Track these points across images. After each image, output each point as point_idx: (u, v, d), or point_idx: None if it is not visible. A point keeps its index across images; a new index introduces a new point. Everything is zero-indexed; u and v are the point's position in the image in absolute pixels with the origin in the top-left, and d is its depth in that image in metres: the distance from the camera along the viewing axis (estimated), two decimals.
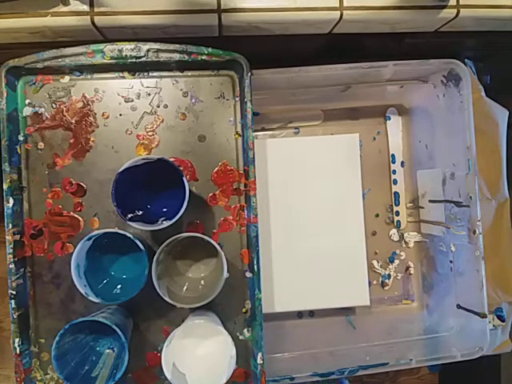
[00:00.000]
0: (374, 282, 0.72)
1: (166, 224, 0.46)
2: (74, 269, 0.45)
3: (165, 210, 0.52)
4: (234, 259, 0.54)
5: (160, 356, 0.45)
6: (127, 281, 0.51)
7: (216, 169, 0.54)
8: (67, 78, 0.53)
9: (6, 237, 0.50)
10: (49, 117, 0.52)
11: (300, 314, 0.70)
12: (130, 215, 0.47)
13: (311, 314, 0.70)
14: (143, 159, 0.46)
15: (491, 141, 0.72)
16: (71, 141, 0.53)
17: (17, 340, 0.49)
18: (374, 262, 0.72)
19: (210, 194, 0.54)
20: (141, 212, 0.49)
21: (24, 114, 0.52)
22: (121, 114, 0.53)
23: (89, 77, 0.53)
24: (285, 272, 0.65)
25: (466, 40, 0.65)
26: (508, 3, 0.55)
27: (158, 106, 0.54)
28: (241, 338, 0.53)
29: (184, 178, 0.45)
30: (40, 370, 0.52)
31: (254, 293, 0.52)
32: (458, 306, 0.63)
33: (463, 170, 0.60)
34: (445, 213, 0.65)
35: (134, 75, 0.54)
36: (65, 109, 0.53)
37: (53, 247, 0.52)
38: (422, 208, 0.71)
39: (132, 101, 0.54)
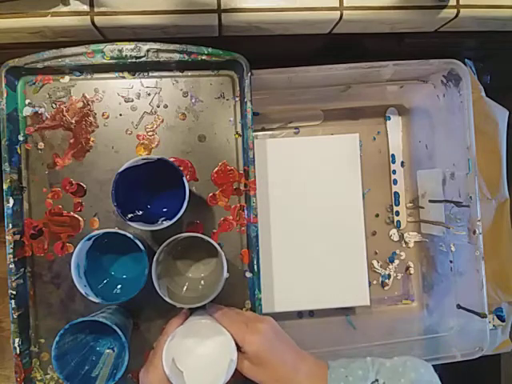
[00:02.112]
0: (374, 282, 0.72)
1: (166, 224, 0.46)
2: (74, 269, 0.45)
3: (165, 210, 0.51)
4: (233, 259, 0.54)
5: None
6: (127, 281, 0.51)
7: (216, 169, 0.54)
8: (67, 77, 0.53)
9: (6, 237, 0.49)
10: (49, 117, 0.52)
11: (300, 314, 0.70)
12: (130, 215, 0.47)
13: (311, 313, 0.70)
14: (143, 159, 0.46)
15: (491, 141, 0.72)
16: (71, 141, 0.53)
17: (17, 340, 0.49)
18: (374, 262, 0.72)
19: (210, 194, 0.54)
20: (141, 212, 0.49)
21: (24, 114, 0.52)
22: (121, 114, 0.53)
23: (89, 77, 0.53)
24: (285, 272, 0.65)
25: (466, 40, 0.65)
26: (508, 3, 0.55)
27: (158, 106, 0.54)
28: None
29: (184, 178, 0.45)
30: (40, 370, 0.52)
31: (253, 293, 0.52)
32: (458, 306, 0.63)
33: (463, 169, 0.60)
34: (445, 213, 0.65)
35: (134, 75, 0.54)
36: (65, 109, 0.53)
37: (53, 247, 0.52)
38: (422, 208, 0.71)
39: (132, 101, 0.54)
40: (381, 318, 0.71)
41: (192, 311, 0.52)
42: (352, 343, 0.63)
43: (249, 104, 0.52)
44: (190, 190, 0.46)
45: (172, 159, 0.53)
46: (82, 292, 0.45)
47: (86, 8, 0.50)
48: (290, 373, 0.45)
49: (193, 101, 0.54)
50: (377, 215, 0.73)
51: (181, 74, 0.54)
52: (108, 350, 0.49)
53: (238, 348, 0.45)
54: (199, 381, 0.45)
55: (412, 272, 0.73)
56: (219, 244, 0.53)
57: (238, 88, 0.55)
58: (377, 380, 0.43)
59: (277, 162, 0.66)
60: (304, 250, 0.66)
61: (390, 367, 0.45)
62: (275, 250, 0.65)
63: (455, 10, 0.55)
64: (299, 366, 0.45)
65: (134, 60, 0.51)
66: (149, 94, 0.54)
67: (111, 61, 0.51)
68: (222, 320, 0.46)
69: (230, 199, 0.54)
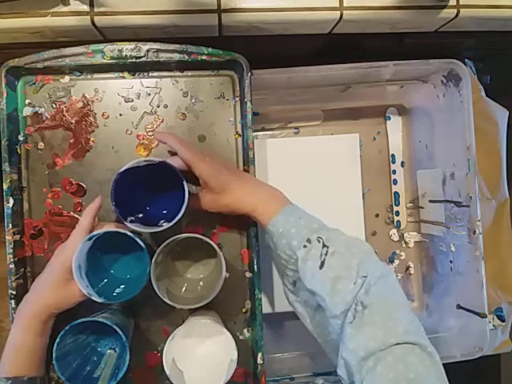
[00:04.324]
0: None
1: (166, 226, 0.46)
2: (75, 270, 0.45)
3: (164, 211, 0.51)
4: (233, 259, 0.54)
5: (160, 356, 0.45)
6: (129, 280, 0.51)
7: None
8: (67, 77, 0.53)
9: (6, 237, 0.49)
10: (49, 117, 0.52)
11: None
12: (130, 218, 0.46)
13: None
14: (145, 161, 0.46)
15: (491, 141, 0.72)
16: (71, 141, 0.53)
17: None
18: None
19: None
20: (141, 215, 0.49)
21: (24, 114, 0.52)
22: (121, 114, 0.53)
23: (89, 77, 0.53)
24: None
25: (466, 40, 0.65)
26: (508, 3, 0.56)
27: (158, 106, 0.54)
28: (241, 337, 0.53)
29: (184, 183, 0.45)
30: None
31: (254, 293, 0.52)
32: (458, 306, 0.63)
33: (463, 169, 0.60)
34: (445, 213, 0.65)
35: (134, 75, 0.54)
36: (65, 109, 0.53)
37: (53, 247, 0.52)
38: (422, 208, 0.71)
39: (132, 101, 0.54)
40: None
41: (192, 311, 0.52)
42: None
43: (249, 104, 0.52)
44: (189, 191, 0.45)
45: None
46: (85, 292, 0.45)
47: (85, 8, 0.50)
48: (252, 189, 0.48)
49: (193, 101, 0.54)
50: (377, 215, 0.73)
51: (181, 73, 0.54)
52: (110, 351, 0.49)
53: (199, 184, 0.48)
54: (199, 381, 0.45)
55: (412, 272, 0.73)
56: (219, 244, 0.53)
57: (238, 88, 0.55)
58: (322, 239, 0.44)
59: (277, 162, 0.66)
60: None
61: (345, 241, 0.46)
62: None
63: (455, 10, 0.55)
64: (258, 185, 0.50)
65: (134, 60, 0.51)
66: (149, 94, 0.54)
67: (111, 61, 0.51)
68: (181, 145, 0.47)
69: None
